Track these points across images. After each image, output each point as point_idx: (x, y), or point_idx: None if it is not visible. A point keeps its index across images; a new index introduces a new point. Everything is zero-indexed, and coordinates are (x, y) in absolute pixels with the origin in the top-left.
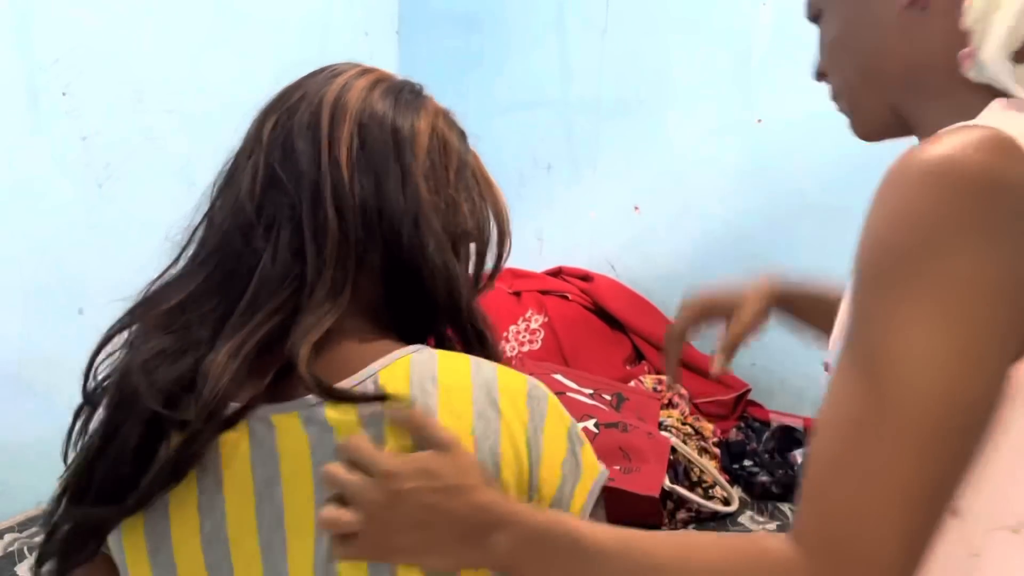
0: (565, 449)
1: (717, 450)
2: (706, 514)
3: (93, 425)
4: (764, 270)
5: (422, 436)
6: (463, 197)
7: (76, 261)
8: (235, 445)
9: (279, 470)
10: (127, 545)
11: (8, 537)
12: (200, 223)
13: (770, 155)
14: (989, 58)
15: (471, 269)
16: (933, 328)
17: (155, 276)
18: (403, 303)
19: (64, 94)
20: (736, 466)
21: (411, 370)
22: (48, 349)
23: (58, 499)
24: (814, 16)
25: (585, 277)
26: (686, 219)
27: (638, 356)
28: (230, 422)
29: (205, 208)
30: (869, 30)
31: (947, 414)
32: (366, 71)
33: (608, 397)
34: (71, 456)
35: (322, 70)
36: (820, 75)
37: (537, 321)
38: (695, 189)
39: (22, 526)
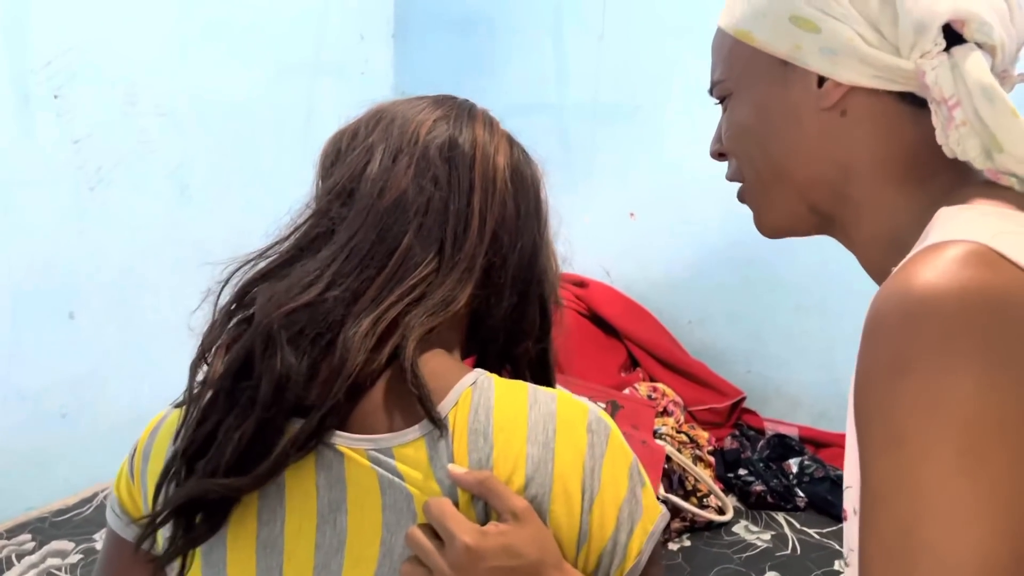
0: (625, 488)
1: (712, 458)
2: (701, 523)
3: (203, 403)
4: (762, 277)
5: (497, 503)
6: (553, 248)
7: (67, 265)
8: (301, 462)
9: (346, 498)
10: None
11: None
12: (326, 204)
13: None
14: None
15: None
16: (958, 484)
17: (259, 250)
18: (502, 323)
19: (56, 97)
20: (731, 475)
21: (471, 409)
22: (38, 353)
23: (166, 481)
24: (720, 96)
25: (580, 283)
26: (682, 226)
27: (633, 363)
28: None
29: (325, 192)
30: (785, 125)
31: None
32: (495, 119)
33: (603, 405)
34: (182, 432)
35: (450, 99)
36: (719, 155)
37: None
38: (691, 196)
39: (10, 533)
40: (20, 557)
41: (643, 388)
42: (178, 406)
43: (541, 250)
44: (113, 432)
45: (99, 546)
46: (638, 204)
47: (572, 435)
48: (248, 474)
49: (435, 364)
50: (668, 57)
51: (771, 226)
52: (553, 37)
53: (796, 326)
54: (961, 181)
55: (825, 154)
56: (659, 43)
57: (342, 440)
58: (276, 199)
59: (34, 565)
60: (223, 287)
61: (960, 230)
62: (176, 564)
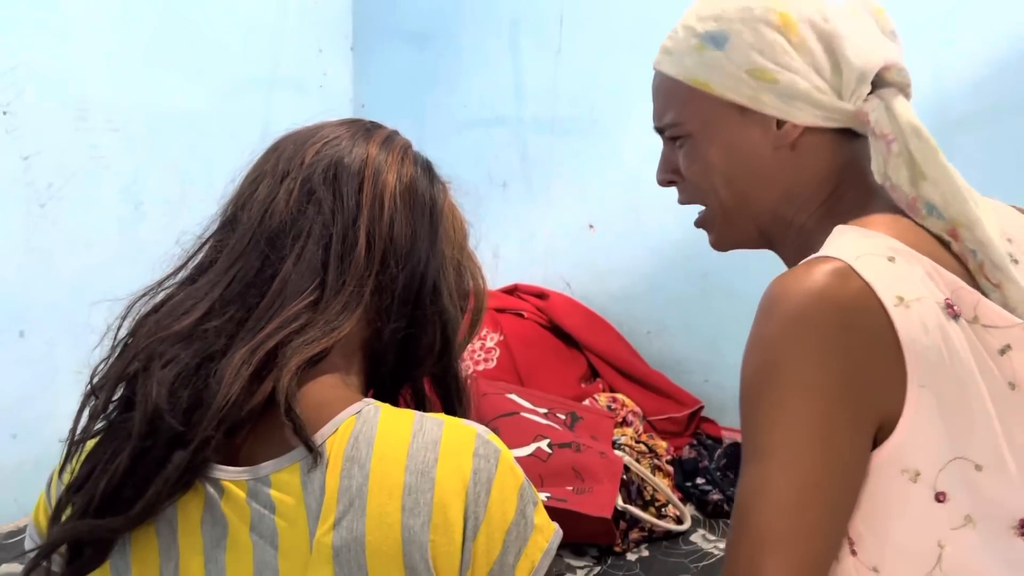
0: (513, 510)
1: (670, 468)
2: (659, 533)
3: (82, 437)
4: (717, 288)
5: None
6: (467, 265)
7: (17, 283)
8: (189, 497)
9: (226, 534)
10: None
11: None
12: (215, 233)
13: None
14: (953, 198)
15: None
16: (787, 427)
17: (156, 282)
18: (393, 347)
19: (4, 113)
20: (689, 484)
21: (350, 438)
22: None
23: (56, 516)
24: (676, 136)
25: (541, 295)
26: (640, 237)
27: (593, 374)
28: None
29: (217, 220)
30: (749, 162)
31: (809, 481)
32: (396, 136)
33: (562, 416)
34: (62, 473)
35: (357, 121)
36: (668, 183)
37: (492, 339)
38: (649, 208)
39: None
40: None
41: (603, 399)
42: (66, 443)
43: (435, 269)
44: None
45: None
46: (597, 217)
47: (455, 462)
48: (122, 513)
49: (319, 394)
50: (625, 72)
51: (726, 245)
52: (511, 51)
53: None
54: (865, 204)
55: (777, 183)
56: (616, 58)
57: (224, 474)
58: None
59: None
60: (121, 322)
61: (836, 248)
62: None
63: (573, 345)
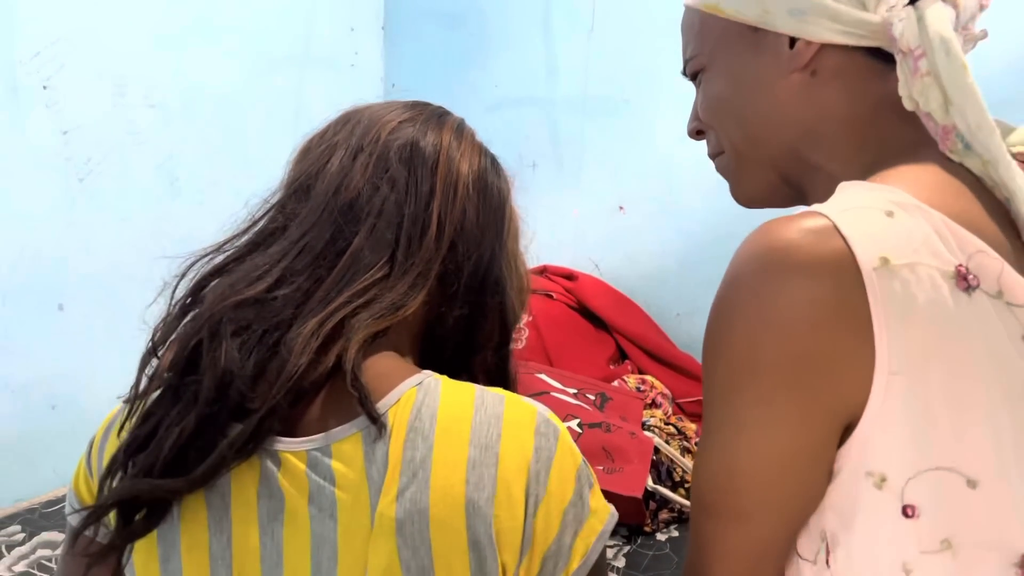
0: (571, 491)
1: None
2: (688, 514)
3: (151, 396)
4: None
5: None
6: (522, 261)
7: (55, 257)
8: (243, 469)
9: (283, 507)
10: (139, 548)
11: None
12: (282, 199)
13: None
14: (977, 127)
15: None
16: (714, 408)
17: (218, 243)
18: (455, 334)
19: (44, 88)
20: None
21: (412, 408)
22: (27, 346)
23: (109, 474)
24: (693, 73)
25: (570, 276)
26: (670, 218)
27: (622, 355)
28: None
29: (282, 187)
30: (758, 92)
31: (740, 466)
32: (466, 125)
33: (592, 397)
34: (124, 428)
35: (426, 105)
36: (697, 133)
37: (522, 320)
38: (679, 189)
39: (0, 524)
40: (10, 548)
41: (632, 380)
42: (127, 401)
43: (500, 261)
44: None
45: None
46: (628, 198)
47: (518, 438)
48: (183, 476)
49: (381, 366)
50: (658, 51)
51: (746, 196)
52: (543, 31)
53: None
54: (912, 150)
55: (795, 118)
56: (649, 37)
57: (283, 445)
58: (265, 193)
59: (24, 556)
60: (179, 281)
61: (829, 202)
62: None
63: (602, 327)
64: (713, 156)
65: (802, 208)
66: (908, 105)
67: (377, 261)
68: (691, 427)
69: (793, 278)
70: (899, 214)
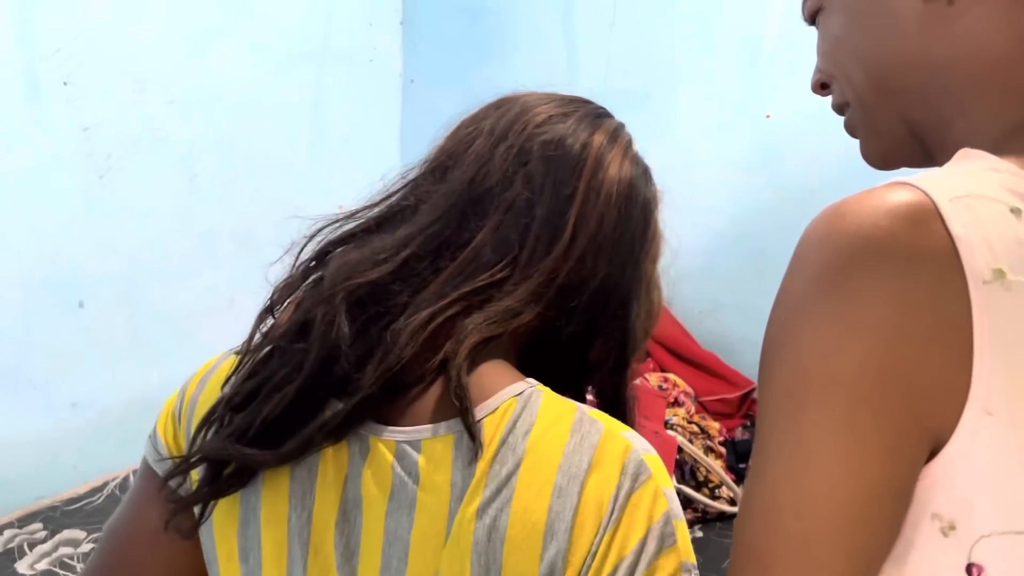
0: (635, 541)
1: (723, 449)
2: (712, 514)
3: (254, 366)
4: (774, 267)
5: None
6: (657, 284)
7: (76, 253)
8: (332, 449)
9: (362, 496)
10: (220, 506)
11: (8, 533)
12: (418, 177)
13: (779, 150)
14: None
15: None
16: (796, 427)
17: (350, 211)
18: (569, 351)
19: (65, 84)
20: (742, 465)
21: (509, 420)
22: (48, 342)
23: (206, 423)
24: (811, 14)
25: None
26: (693, 214)
27: (644, 353)
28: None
29: (422, 163)
30: (882, 27)
31: (814, 505)
32: (623, 129)
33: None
34: (227, 390)
35: (586, 103)
36: (821, 86)
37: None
38: (703, 184)
39: (22, 522)
40: (32, 546)
41: (654, 378)
42: (237, 352)
43: (632, 283)
44: (123, 421)
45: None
46: None
47: (605, 473)
48: (273, 448)
49: (486, 371)
50: (679, 44)
51: (877, 154)
52: (563, 24)
53: None
54: None
55: (929, 56)
56: (670, 30)
57: (375, 432)
58: (284, 188)
59: (46, 554)
60: (307, 242)
61: (935, 177)
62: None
63: None
64: (838, 109)
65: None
66: None
67: (498, 261)
68: (714, 426)
69: (884, 274)
70: None
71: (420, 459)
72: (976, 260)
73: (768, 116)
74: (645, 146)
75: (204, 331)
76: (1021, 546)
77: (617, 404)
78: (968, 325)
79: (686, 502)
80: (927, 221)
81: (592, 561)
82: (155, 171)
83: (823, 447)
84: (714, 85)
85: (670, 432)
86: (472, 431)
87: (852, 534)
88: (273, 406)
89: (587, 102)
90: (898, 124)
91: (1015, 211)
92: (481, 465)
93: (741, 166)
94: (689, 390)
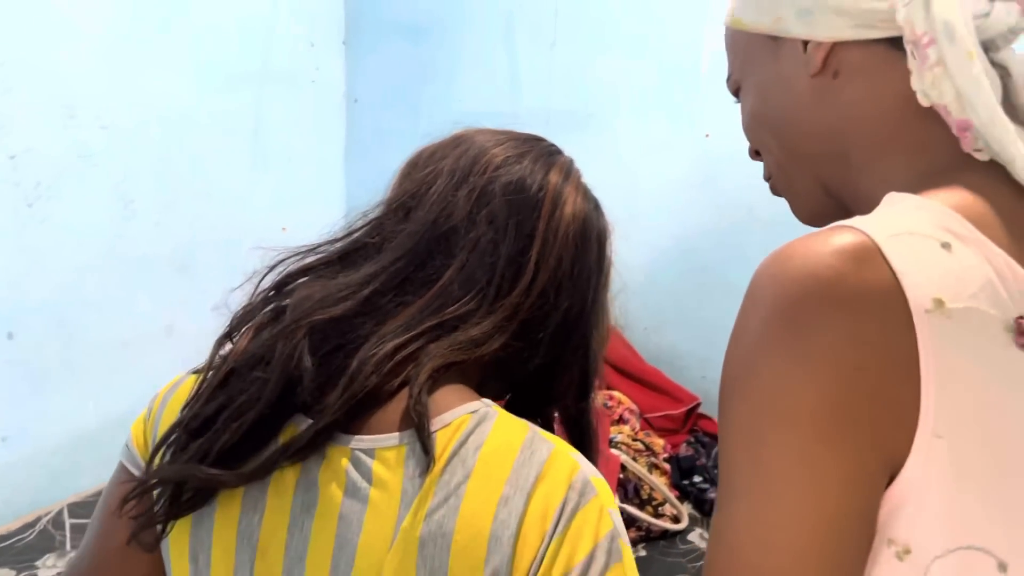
0: (582, 556)
1: (667, 466)
2: (656, 532)
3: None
4: (716, 283)
5: None
6: (608, 311)
7: (5, 284)
8: None
9: (316, 502)
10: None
11: None
12: (380, 216)
13: (718, 169)
14: (990, 122)
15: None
16: (742, 471)
17: (312, 245)
18: (535, 380)
19: None
20: (686, 482)
21: (461, 434)
22: None
23: (162, 446)
24: (734, 91)
25: None
26: (636, 232)
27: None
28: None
29: (383, 203)
30: (784, 102)
31: (780, 541)
32: (573, 165)
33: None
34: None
35: (538, 140)
36: (756, 153)
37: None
38: (645, 203)
39: None
40: None
41: (599, 396)
42: (196, 372)
43: (591, 314)
44: (56, 454)
45: (40, 574)
46: None
47: (552, 487)
48: (234, 469)
49: (444, 390)
50: (620, 65)
51: (804, 212)
52: (505, 44)
53: None
54: (948, 158)
55: (824, 124)
56: (611, 52)
57: (333, 439)
58: (225, 212)
59: None
60: (268, 271)
61: (871, 219)
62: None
63: None
64: (767, 177)
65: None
66: (923, 101)
67: (464, 295)
68: (659, 442)
69: (834, 310)
70: (957, 248)
71: (374, 465)
72: (917, 292)
73: (707, 135)
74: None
75: (142, 359)
76: (972, 559)
77: (582, 429)
78: (915, 353)
79: (630, 521)
80: (870, 259)
81: (538, 569)
82: (88, 197)
83: (784, 481)
84: (654, 105)
85: (614, 451)
86: (426, 442)
87: (817, 566)
88: (232, 433)
89: (539, 139)
90: (814, 185)
91: (945, 245)
92: (432, 474)
93: (682, 184)
94: (634, 407)
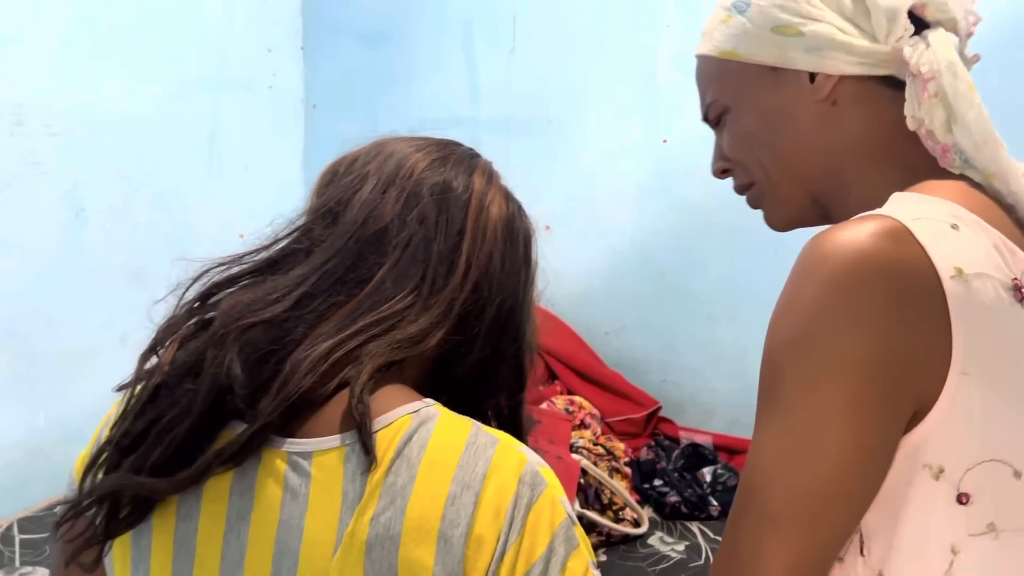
0: (543, 546)
1: (628, 470)
2: (616, 537)
3: (139, 400)
4: (674, 287)
5: None
6: (535, 309)
7: None
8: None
9: (252, 508)
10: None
11: None
12: (308, 222)
13: (675, 175)
14: (984, 142)
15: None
16: (814, 406)
17: (237, 255)
18: (472, 375)
19: None
20: (647, 485)
21: (404, 434)
22: None
23: (93, 465)
24: (716, 117)
25: None
26: (597, 237)
27: (551, 376)
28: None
29: (309, 209)
30: (787, 125)
31: (830, 469)
32: (494, 169)
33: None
34: (117, 428)
35: (457, 145)
36: (723, 171)
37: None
38: (604, 208)
39: None
40: None
41: (560, 402)
42: (120, 389)
43: (522, 308)
44: (7, 468)
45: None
46: (554, 217)
47: (501, 483)
48: (167, 476)
49: (385, 392)
50: (579, 71)
51: (781, 219)
52: (465, 51)
53: (708, 335)
54: (927, 171)
55: (823, 143)
56: (570, 57)
57: (268, 443)
58: (180, 220)
59: None
60: (192, 283)
61: (893, 209)
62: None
63: None
64: (741, 190)
65: (859, 215)
66: (911, 125)
67: (399, 293)
68: (619, 446)
69: (881, 278)
70: (963, 228)
71: (312, 470)
72: (942, 262)
73: (665, 141)
74: (548, 172)
75: (94, 370)
76: (992, 469)
77: (515, 425)
78: (944, 309)
79: (590, 526)
80: (903, 237)
81: (498, 568)
82: (37, 206)
83: (839, 420)
84: (613, 111)
85: (575, 455)
86: (367, 443)
87: (852, 487)
88: (164, 446)
89: (458, 144)
90: (803, 196)
91: (953, 227)
92: (375, 476)
93: (641, 190)
94: (595, 412)
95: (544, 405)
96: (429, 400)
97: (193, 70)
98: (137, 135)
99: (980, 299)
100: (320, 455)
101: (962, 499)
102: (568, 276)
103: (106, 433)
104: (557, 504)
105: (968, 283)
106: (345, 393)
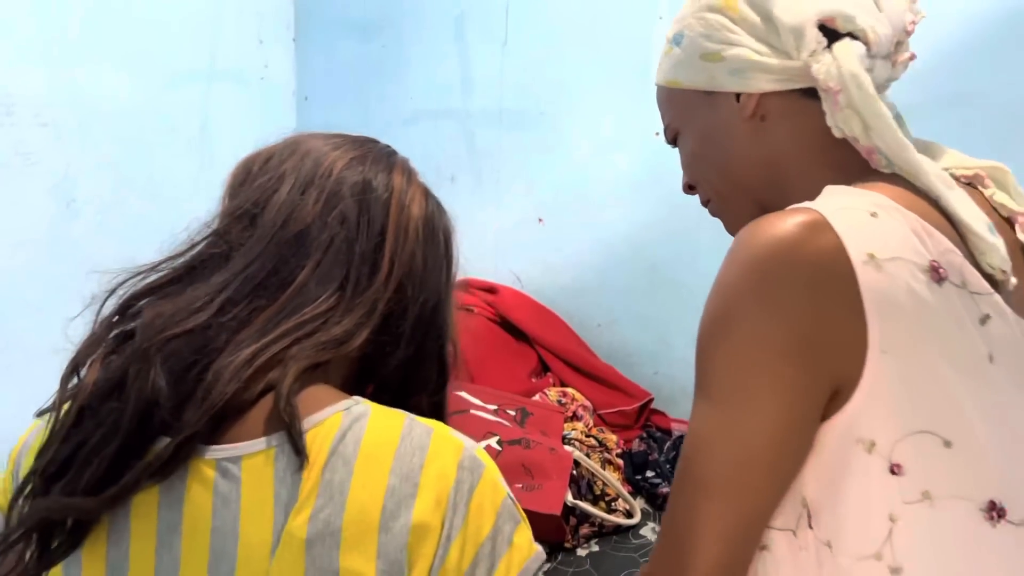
0: (490, 526)
1: (620, 461)
2: (609, 528)
3: (62, 417)
4: (666, 280)
5: None
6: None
7: None
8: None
9: (182, 519)
10: None
11: None
12: (224, 225)
13: (667, 168)
14: (895, 144)
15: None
16: (737, 380)
17: (152, 263)
18: (398, 374)
19: None
20: (639, 477)
21: (337, 432)
22: None
23: (21, 495)
24: (672, 139)
25: (491, 289)
26: (589, 230)
27: (543, 368)
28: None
29: (224, 212)
30: (725, 142)
31: (754, 438)
32: (413, 166)
33: (512, 412)
34: (45, 451)
35: (374, 143)
36: (689, 187)
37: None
38: (597, 200)
39: None
40: None
41: (553, 393)
42: (41, 414)
43: (444, 305)
44: None
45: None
46: (546, 210)
47: (440, 470)
48: (95, 495)
49: (312, 392)
50: (572, 64)
51: (735, 229)
52: (457, 43)
53: None
54: (860, 172)
55: (758, 156)
56: (563, 50)
57: (195, 452)
58: (169, 213)
59: None
60: (108, 297)
61: (819, 201)
62: None
63: (523, 339)
64: (704, 204)
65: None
66: (836, 133)
67: (322, 294)
68: (612, 438)
69: (799, 267)
70: (882, 215)
71: (242, 475)
72: (855, 248)
73: (657, 134)
74: (540, 164)
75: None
76: (921, 440)
77: (439, 420)
78: (858, 294)
79: (583, 517)
80: (821, 227)
81: (445, 554)
82: (26, 198)
83: (765, 397)
84: (605, 103)
85: (567, 447)
86: (297, 443)
87: (777, 458)
88: (93, 470)
89: (374, 141)
90: (751, 205)
91: (872, 214)
92: (311, 475)
93: (632, 182)
94: (588, 403)
95: (537, 397)
96: (357, 397)
97: (185, 61)
98: (128, 126)
99: (894, 282)
100: (249, 458)
101: (895, 470)
102: (560, 268)
103: (29, 462)
104: (498, 484)
105: (880, 268)
106: (271, 396)
